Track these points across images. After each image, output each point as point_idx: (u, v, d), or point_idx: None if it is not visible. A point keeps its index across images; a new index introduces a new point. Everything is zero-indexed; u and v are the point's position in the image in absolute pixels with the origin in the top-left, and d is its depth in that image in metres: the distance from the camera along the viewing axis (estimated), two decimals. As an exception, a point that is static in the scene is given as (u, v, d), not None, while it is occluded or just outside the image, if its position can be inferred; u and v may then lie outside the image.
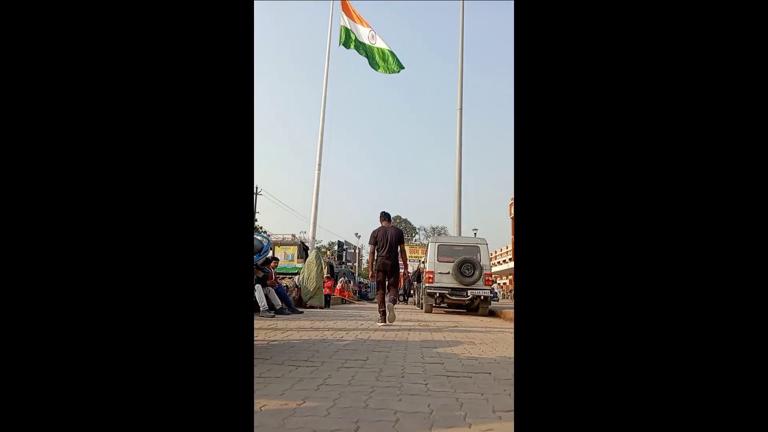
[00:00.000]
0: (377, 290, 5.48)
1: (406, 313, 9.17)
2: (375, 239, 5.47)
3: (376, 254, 5.48)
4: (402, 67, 12.96)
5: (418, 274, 14.23)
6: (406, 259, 5.74)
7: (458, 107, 13.41)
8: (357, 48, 13.15)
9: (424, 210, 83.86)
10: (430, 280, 8.76)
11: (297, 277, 10.26)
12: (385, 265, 5.36)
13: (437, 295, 8.71)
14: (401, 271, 5.60)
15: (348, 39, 13.16)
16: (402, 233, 5.58)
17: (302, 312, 7.79)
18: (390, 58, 13.08)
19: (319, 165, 12.51)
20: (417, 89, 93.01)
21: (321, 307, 9.65)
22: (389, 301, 5.29)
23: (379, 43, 13.08)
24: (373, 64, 13.09)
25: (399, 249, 5.42)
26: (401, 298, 19.27)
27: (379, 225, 5.60)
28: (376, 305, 5.76)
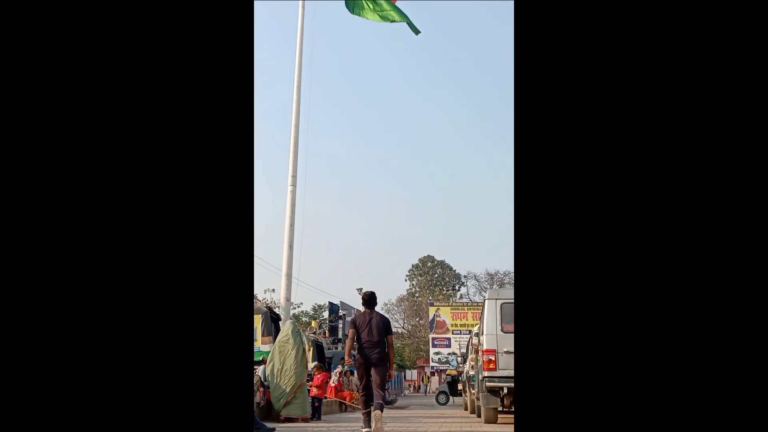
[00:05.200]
0: (360, 388, 7.32)
1: (452, 424, 8.85)
2: (355, 325, 7.31)
3: (356, 344, 7.29)
4: (395, 19, 13.19)
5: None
6: (393, 355, 7.38)
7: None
8: None
9: (474, 248, 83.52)
10: (492, 366, 8.57)
11: (261, 369, 10.09)
12: (369, 356, 7.05)
13: (505, 391, 8.52)
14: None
15: None
16: (390, 322, 7.48)
17: (273, 429, 7.62)
18: (390, 6, 13.34)
19: (294, 177, 12.53)
20: (450, 55, 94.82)
21: (305, 419, 9.53)
22: (375, 408, 6.68)
23: None
24: (355, 6, 13.35)
25: (387, 341, 7.24)
26: (440, 399, 19.67)
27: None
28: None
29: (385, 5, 13.41)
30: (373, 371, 7.06)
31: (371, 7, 13.37)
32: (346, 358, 7.71)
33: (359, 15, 13.48)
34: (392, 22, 13.45)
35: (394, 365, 7.75)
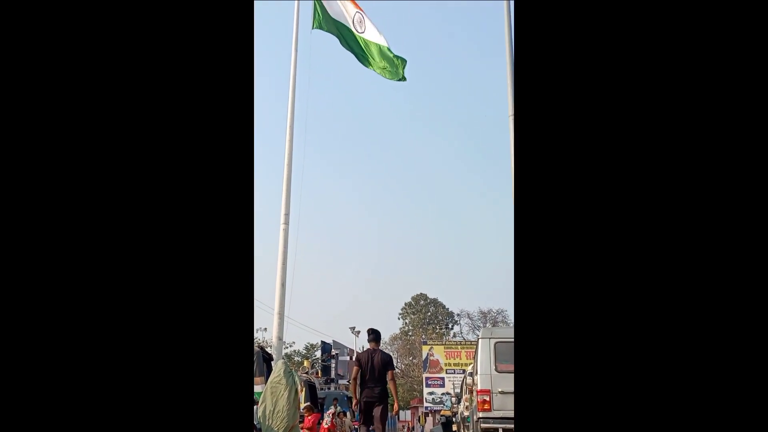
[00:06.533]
0: (360, 426, 7.63)
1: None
2: (359, 363, 7.81)
3: (359, 382, 7.71)
4: (402, 76, 13.33)
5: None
6: (395, 389, 7.90)
7: (510, 113, 13.61)
8: (336, 33, 13.59)
9: (468, 286, 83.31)
10: (486, 407, 8.46)
11: (254, 410, 9.90)
12: (371, 396, 7.47)
13: (500, 432, 8.39)
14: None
15: (322, 19, 13.60)
16: (391, 359, 8.03)
17: (263, 474, 7.44)
18: (387, 58, 13.43)
19: (287, 215, 12.54)
20: (445, 97, 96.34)
21: (296, 463, 9.28)
22: None
23: (371, 35, 13.50)
24: (363, 59, 13.47)
25: (388, 378, 7.66)
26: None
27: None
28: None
29: (397, 62, 13.49)
30: (375, 409, 7.51)
31: (383, 65, 13.43)
32: (353, 399, 8.16)
33: (373, 70, 13.57)
34: (399, 80, 13.54)
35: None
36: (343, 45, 13.50)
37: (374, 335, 8.01)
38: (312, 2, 13.37)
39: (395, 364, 55.20)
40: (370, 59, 13.36)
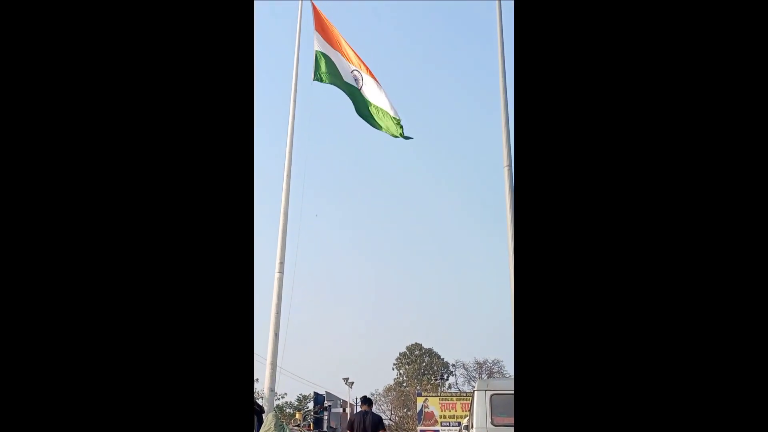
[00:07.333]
0: None
1: None
2: (351, 425, 8.75)
3: None
4: (404, 135, 13.35)
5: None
6: None
7: (505, 164, 13.75)
8: (338, 84, 13.67)
9: (463, 336, 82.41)
10: (483, 463, 8.23)
11: (243, 464, 9.64)
12: None
13: (497, 491, 8.15)
14: None
15: (326, 72, 13.68)
16: (381, 420, 8.94)
17: None
18: (387, 118, 13.44)
19: (282, 264, 12.46)
20: (444, 141, 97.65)
21: None
22: None
23: (370, 93, 13.56)
24: (372, 120, 13.49)
25: None
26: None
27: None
28: None
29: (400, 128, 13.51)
30: None
31: (382, 125, 13.43)
32: None
33: (384, 132, 13.59)
34: (407, 138, 13.58)
35: None
36: (357, 113, 13.49)
37: (366, 401, 9.38)
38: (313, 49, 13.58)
39: (389, 416, 54.09)
40: (377, 119, 13.34)
